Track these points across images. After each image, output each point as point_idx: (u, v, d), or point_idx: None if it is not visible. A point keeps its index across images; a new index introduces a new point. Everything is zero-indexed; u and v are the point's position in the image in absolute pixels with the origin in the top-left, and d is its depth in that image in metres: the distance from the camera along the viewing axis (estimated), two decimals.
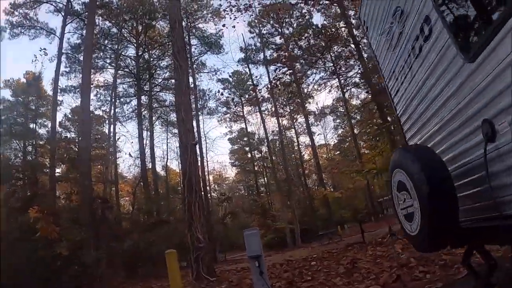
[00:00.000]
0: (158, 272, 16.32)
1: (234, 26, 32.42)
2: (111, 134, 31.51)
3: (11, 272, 14.26)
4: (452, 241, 3.35)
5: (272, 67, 34.38)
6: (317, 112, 42.75)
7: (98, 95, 34.47)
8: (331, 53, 30.12)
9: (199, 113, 34.88)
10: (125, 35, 32.96)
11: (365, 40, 25.00)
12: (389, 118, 19.76)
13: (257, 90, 34.44)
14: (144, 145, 29.69)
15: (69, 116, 37.58)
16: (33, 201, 17.21)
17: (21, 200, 19.00)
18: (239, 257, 27.76)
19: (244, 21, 35.83)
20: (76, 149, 23.17)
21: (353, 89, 36.34)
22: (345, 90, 36.17)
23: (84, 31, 25.97)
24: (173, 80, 32.60)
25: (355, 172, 26.86)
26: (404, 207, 3.34)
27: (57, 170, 24.03)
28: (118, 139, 31.54)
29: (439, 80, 3.23)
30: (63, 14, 26.77)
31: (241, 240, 35.52)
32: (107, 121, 35.14)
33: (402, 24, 3.72)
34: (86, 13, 24.87)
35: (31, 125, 30.68)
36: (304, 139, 49.73)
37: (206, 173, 37.09)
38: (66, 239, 14.47)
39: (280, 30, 34.63)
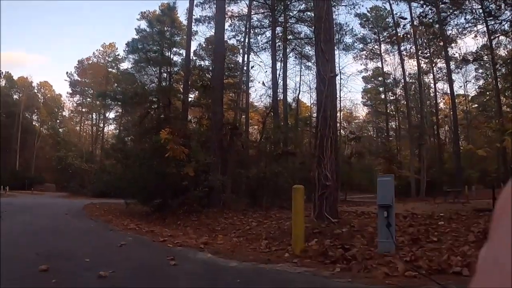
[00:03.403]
0: (281, 203, 16.11)
1: None
2: (245, 63, 31.81)
3: (143, 185, 15.23)
4: None
5: (414, 4, 31.35)
6: (459, 59, 38.46)
7: (232, 26, 34.82)
8: None
9: (335, 47, 33.42)
10: None
11: None
12: None
13: (398, 28, 31.82)
14: (277, 76, 29.45)
15: (203, 45, 39.05)
16: (165, 123, 17.89)
17: (154, 122, 19.90)
18: (358, 199, 27.00)
19: None
20: (210, 77, 23.52)
21: (501, 37, 31.75)
22: (492, 38, 31.71)
23: None
24: (308, 13, 31.75)
25: (496, 131, 24.00)
26: None
27: (190, 97, 24.76)
28: (252, 67, 31.75)
29: None
30: None
31: (364, 182, 34.68)
32: (240, 51, 35.57)
33: None
34: None
35: (166, 53, 31.98)
36: (442, 86, 45.81)
37: (337, 110, 36.16)
38: (194, 160, 14.71)
39: None
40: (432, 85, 45.34)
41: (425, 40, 36.16)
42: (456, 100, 40.47)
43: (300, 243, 6.96)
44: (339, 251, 6.49)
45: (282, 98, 31.45)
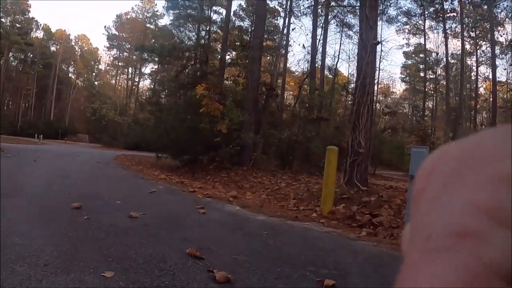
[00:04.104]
0: (310, 169, 16.06)
1: None
2: (285, 26, 31.26)
3: (176, 139, 15.42)
4: None
5: None
6: (505, 44, 36.80)
7: None
8: None
9: (378, 18, 32.48)
10: None
11: None
12: None
13: (445, 2, 30.69)
14: (317, 42, 28.96)
15: (244, 6, 38.49)
16: (201, 79, 17.91)
17: (190, 77, 19.91)
18: (387, 175, 26.70)
19: None
20: (248, 38, 23.27)
21: None
22: None
23: None
24: None
25: None
26: None
27: (228, 55, 24.65)
28: (293, 29, 31.19)
29: None
30: None
31: (394, 158, 34.05)
32: (281, 14, 34.93)
33: None
34: None
35: (206, 11, 31.73)
36: (484, 70, 44.12)
37: (375, 81, 35.43)
38: (228, 118, 14.73)
39: None
40: (474, 68, 43.88)
41: (471, 21, 34.81)
42: (497, 87, 39.08)
43: (329, 204, 6.97)
44: (367, 217, 6.50)
45: (320, 64, 30.92)
